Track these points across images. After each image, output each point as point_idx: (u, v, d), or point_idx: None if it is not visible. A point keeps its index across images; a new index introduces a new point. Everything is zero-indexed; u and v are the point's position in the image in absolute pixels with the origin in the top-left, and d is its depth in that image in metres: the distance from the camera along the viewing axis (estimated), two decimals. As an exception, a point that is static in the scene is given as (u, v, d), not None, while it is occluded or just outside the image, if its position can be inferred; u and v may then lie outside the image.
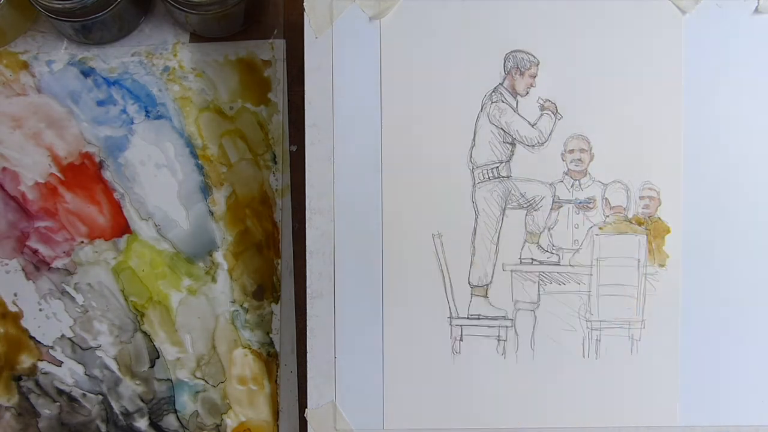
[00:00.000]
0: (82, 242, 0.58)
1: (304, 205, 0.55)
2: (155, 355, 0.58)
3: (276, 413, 0.58)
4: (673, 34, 0.54)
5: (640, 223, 0.54)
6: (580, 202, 0.54)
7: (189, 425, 0.58)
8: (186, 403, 0.58)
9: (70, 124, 0.58)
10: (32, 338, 0.58)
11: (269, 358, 0.58)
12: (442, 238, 0.54)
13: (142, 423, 0.58)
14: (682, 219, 0.54)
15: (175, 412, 0.58)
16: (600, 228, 0.54)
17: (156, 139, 0.58)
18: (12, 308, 0.58)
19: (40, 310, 0.58)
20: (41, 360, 0.58)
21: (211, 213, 0.58)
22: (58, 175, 0.58)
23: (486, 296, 0.54)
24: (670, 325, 0.54)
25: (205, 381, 0.58)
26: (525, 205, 0.54)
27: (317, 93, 0.54)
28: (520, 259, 0.54)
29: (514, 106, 0.54)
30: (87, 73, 0.59)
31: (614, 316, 0.54)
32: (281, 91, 0.59)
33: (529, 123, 0.54)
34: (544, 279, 0.54)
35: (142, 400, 0.58)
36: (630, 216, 0.54)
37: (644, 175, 0.54)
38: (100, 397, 0.58)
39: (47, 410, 0.58)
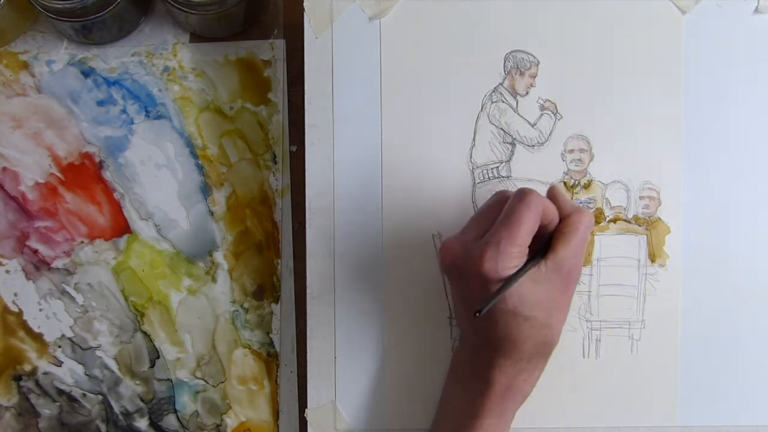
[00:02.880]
0: (82, 242, 0.58)
1: (304, 205, 0.55)
2: (155, 355, 0.58)
3: (276, 413, 0.58)
4: (673, 34, 0.54)
5: (640, 223, 0.54)
6: (580, 203, 0.54)
7: (189, 425, 0.58)
8: (186, 403, 0.58)
9: (70, 124, 0.58)
10: (32, 338, 0.58)
11: (269, 358, 0.58)
12: (442, 238, 0.54)
13: (142, 423, 0.58)
14: (682, 219, 0.54)
15: (175, 412, 0.58)
16: (600, 228, 0.54)
17: (156, 139, 0.58)
18: (12, 308, 0.58)
19: (40, 310, 0.58)
20: (41, 360, 0.58)
21: (211, 213, 0.58)
22: (58, 175, 0.58)
23: (486, 296, 0.54)
24: (670, 325, 0.54)
25: (205, 381, 0.58)
26: (525, 205, 0.54)
27: (317, 93, 0.54)
28: (520, 259, 0.54)
29: (514, 106, 0.54)
30: (87, 73, 0.59)
31: (614, 316, 0.54)
32: (281, 91, 0.59)
33: (529, 123, 0.54)
34: (544, 279, 0.54)
35: (142, 400, 0.58)
36: (630, 216, 0.54)
37: (644, 175, 0.54)
38: (100, 397, 0.58)
39: (47, 410, 0.58)
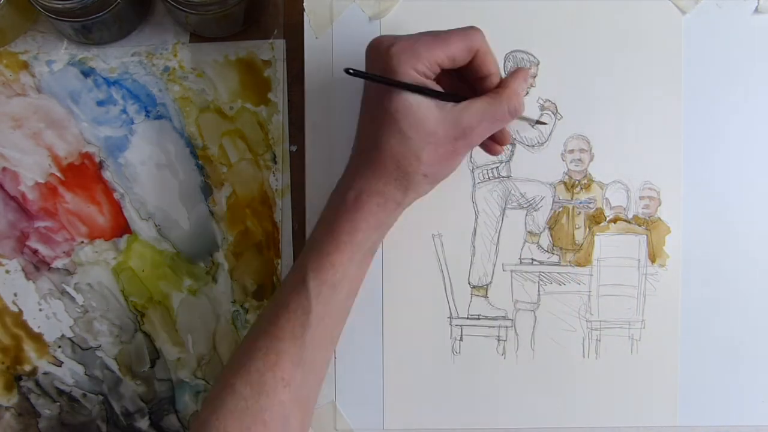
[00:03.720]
0: (82, 242, 0.58)
1: (304, 205, 0.55)
2: (156, 355, 0.58)
3: (276, 413, 0.58)
4: (673, 34, 0.54)
5: (640, 223, 0.54)
6: (580, 203, 0.54)
7: (190, 425, 0.58)
8: (187, 403, 0.58)
9: (70, 124, 0.58)
10: (32, 339, 0.58)
11: (269, 358, 0.58)
12: (442, 238, 0.54)
13: (142, 423, 0.58)
14: (682, 219, 0.54)
15: (176, 412, 0.58)
16: (600, 228, 0.54)
17: (156, 139, 0.58)
18: (12, 308, 0.58)
19: (40, 310, 0.58)
20: (41, 360, 0.58)
21: (212, 213, 0.58)
22: (58, 175, 0.58)
23: (486, 296, 0.54)
24: (670, 325, 0.54)
25: (206, 381, 0.58)
26: (525, 205, 0.54)
27: (317, 93, 0.54)
28: (520, 259, 0.54)
29: (514, 106, 0.54)
30: (87, 73, 0.59)
31: (614, 316, 0.54)
32: (281, 91, 0.59)
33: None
34: (544, 279, 0.54)
35: (143, 401, 0.58)
36: (630, 216, 0.54)
37: (644, 175, 0.54)
38: (101, 397, 0.58)
39: (47, 410, 0.58)
